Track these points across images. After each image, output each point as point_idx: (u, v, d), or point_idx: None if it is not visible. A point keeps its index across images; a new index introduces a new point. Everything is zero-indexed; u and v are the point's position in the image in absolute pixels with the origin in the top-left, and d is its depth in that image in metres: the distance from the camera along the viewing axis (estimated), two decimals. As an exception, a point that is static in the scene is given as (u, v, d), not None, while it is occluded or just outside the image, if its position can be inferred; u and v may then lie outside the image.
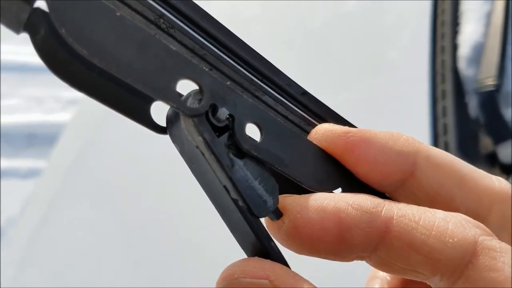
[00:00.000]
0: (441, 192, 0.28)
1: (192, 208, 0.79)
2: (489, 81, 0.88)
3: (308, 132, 0.30)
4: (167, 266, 0.78)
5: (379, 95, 0.91)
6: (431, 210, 0.25)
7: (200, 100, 0.24)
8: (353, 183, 0.29)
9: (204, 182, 0.26)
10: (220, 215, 0.27)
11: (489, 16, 0.97)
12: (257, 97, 0.27)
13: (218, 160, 0.25)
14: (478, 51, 0.93)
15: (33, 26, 0.22)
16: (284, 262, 0.26)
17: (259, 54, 0.28)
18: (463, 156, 0.81)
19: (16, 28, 0.22)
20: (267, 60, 0.28)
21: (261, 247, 0.26)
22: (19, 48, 2.17)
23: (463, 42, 0.95)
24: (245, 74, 0.27)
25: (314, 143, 0.29)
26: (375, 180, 0.29)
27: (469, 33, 0.95)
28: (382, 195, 0.29)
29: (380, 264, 0.26)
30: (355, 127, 0.30)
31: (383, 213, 0.25)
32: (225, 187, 0.25)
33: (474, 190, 0.28)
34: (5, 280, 0.82)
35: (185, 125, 0.25)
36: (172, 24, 0.24)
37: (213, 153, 0.24)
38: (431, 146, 0.29)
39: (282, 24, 1.03)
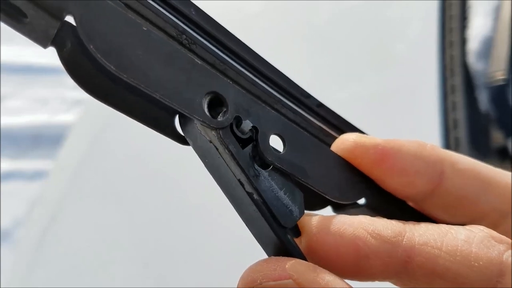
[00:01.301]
0: (467, 196, 0.28)
1: (199, 207, 0.79)
2: (499, 75, 0.87)
3: (327, 143, 0.30)
4: (175, 265, 0.78)
5: (387, 90, 0.91)
6: (453, 230, 0.25)
7: (225, 112, 0.25)
8: (378, 193, 0.29)
9: (218, 176, 0.26)
10: (235, 209, 0.26)
11: (497, 10, 0.96)
12: (276, 109, 0.28)
13: (244, 172, 0.25)
14: (488, 45, 0.92)
15: (60, 40, 0.22)
16: (301, 255, 0.25)
17: (277, 68, 0.28)
18: (474, 150, 0.80)
19: (44, 43, 0.22)
20: (284, 74, 0.29)
21: (277, 241, 0.25)
22: (24, 49, 2.18)
23: (472, 36, 0.94)
24: (264, 87, 0.27)
25: (338, 153, 0.29)
26: (402, 191, 0.29)
27: (478, 27, 0.94)
28: (405, 205, 0.30)
29: (404, 286, 0.26)
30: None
31: (404, 241, 0.24)
32: (239, 180, 0.25)
33: (498, 190, 0.28)
34: (15, 281, 0.82)
35: (203, 130, 0.25)
36: (194, 40, 0.25)
37: (238, 165, 0.25)
38: (453, 153, 0.29)
39: (287, 19, 1.03)
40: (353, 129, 0.32)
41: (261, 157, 0.26)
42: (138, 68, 0.22)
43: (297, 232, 0.26)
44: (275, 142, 0.27)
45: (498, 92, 0.86)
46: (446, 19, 0.99)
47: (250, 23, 1.02)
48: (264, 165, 0.26)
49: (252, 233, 0.26)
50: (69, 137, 1.01)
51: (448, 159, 0.28)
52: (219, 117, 0.25)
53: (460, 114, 0.84)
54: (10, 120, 2.07)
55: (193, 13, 0.25)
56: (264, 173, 0.26)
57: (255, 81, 0.27)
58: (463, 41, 0.94)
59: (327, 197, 0.28)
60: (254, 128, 0.26)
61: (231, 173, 0.25)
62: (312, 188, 0.27)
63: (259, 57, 0.28)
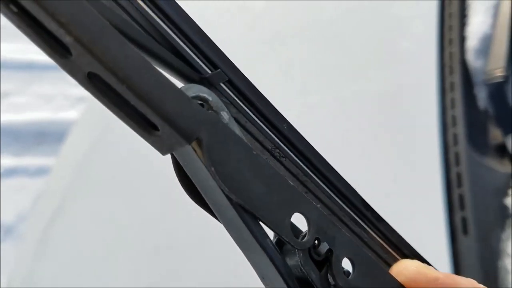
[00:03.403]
0: None
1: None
2: (498, 72, 0.87)
3: (387, 262, 0.32)
4: (178, 259, 0.78)
5: (388, 87, 0.91)
6: None
7: (305, 234, 0.27)
8: None
9: (207, 194, 0.28)
10: (223, 225, 0.28)
11: (497, 7, 0.96)
12: (345, 223, 0.31)
13: None
14: (486, 43, 0.92)
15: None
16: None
17: (351, 185, 0.31)
18: (473, 147, 0.81)
19: (164, 152, 0.24)
20: (350, 184, 0.32)
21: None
22: (28, 46, 2.18)
23: (471, 34, 0.94)
24: (336, 200, 0.30)
25: (398, 278, 0.31)
26: None
27: (477, 24, 0.95)
28: None
29: None
30: (430, 265, 0.32)
31: None
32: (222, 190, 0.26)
33: None
34: (19, 275, 0.83)
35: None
36: (285, 154, 0.28)
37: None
38: None
39: (292, 17, 1.03)
40: (407, 247, 0.34)
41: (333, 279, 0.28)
42: (246, 190, 0.25)
43: None
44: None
45: (497, 90, 0.87)
46: (445, 17, 0.99)
47: (255, 19, 1.03)
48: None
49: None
50: (72, 133, 1.02)
51: None
52: (300, 238, 0.27)
53: (459, 111, 0.85)
54: (14, 117, 2.08)
55: (285, 127, 0.29)
56: None
57: (329, 194, 0.30)
58: (463, 39, 0.95)
59: None
60: (329, 251, 0.28)
61: (220, 191, 0.26)
62: None
63: (338, 176, 0.31)
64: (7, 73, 2.19)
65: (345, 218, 0.31)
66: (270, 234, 0.28)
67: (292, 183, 0.27)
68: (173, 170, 0.28)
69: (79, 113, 1.14)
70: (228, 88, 0.27)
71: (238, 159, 0.25)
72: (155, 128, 0.23)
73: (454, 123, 0.84)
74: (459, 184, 0.77)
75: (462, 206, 0.75)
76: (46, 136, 2.02)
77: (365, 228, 0.32)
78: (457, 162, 0.79)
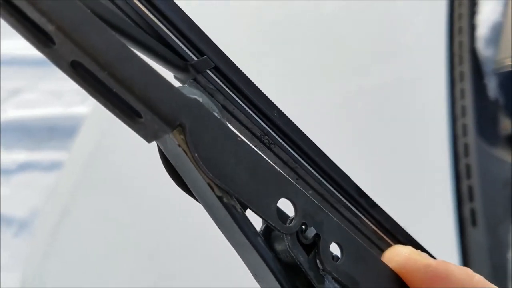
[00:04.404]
0: None
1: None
2: (508, 61, 0.86)
3: (379, 247, 0.32)
4: (186, 253, 0.79)
5: (395, 80, 0.90)
6: None
7: (292, 219, 0.27)
8: None
9: (190, 181, 0.28)
10: (206, 210, 0.28)
11: (507, -6, 0.94)
12: (336, 209, 0.30)
13: (310, 278, 0.27)
14: (497, 31, 0.91)
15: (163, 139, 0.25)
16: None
17: (341, 170, 0.31)
18: (482, 138, 0.80)
19: (149, 139, 0.24)
20: (342, 171, 0.31)
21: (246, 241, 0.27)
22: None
23: (481, 22, 0.93)
24: (327, 187, 0.30)
25: (390, 264, 0.30)
26: None
27: (487, 12, 0.93)
28: None
29: None
30: (426, 251, 0.32)
31: None
32: (209, 184, 0.26)
33: None
34: (30, 269, 0.84)
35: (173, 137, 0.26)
36: (274, 141, 0.28)
37: (306, 273, 0.27)
38: None
39: (295, 10, 1.02)
40: (402, 233, 0.33)
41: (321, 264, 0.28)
42: (230, 175, 0.25)
43: None
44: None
45: (507, 79, 0.85)
46: (455, 6, 0.98)
47: (256, 13, 1.02)
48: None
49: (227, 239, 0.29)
50: (83, 128, 1.02)
51: None
52: (287, 223, 0.27)
53: (468, 101, 0.84)
54: (26, 113, 2.11)
55: (275, 114, 0.28)
56: (328, 277, 0.28)
57: (320, 180, 0.30)
58: (472, 27, 0.93)
59: None
60: (317, 236, 0.28)
61: (201, 178, 0.26)
62: None
63: (329, 161, 0.30)
64: (18, 69, 2.21)
65: (337, 204, 0.31)
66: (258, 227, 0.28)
67: (278, 169, 0.27)
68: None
69: (89, 108, 1.14)
70: (215, 75, 0.27)
71: (222, 144, 0.25)
72: (138, 115, 0.23)
73: (464, 114, 0.83)
74: (468, 176, 0.76)
75: (471, 198, 0.74)
76: (57, 131, 2.04)
77: (358, 214, 0.32)
78: (466, 153, 0.78)
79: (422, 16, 0.98)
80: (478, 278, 0.29)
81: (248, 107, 0.28)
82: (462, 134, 0.80)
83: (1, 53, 2.17)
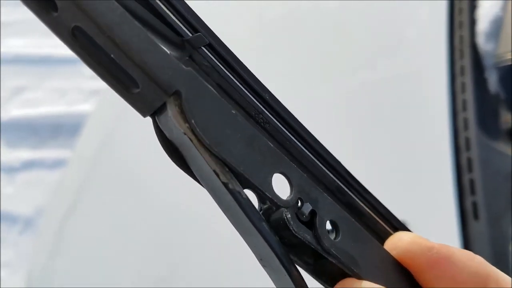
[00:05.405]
0: None
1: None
2: (509, 56, 0.86)
3: (376, 233, 0.32)
4: (194, 250, 0.79)
5: (396, 74, 0.91)
6: None
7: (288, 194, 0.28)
8: None
9: (196, 169, 0.28)
10: (211, 195, 0.29)
11: (508, -12, 0.95)
12: (331, 191, 0.31)
13: (315, 248, 0.28)
14: (497, 25, 0.91)
15: (160, 112, 0.26)
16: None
17: (333, 155, 0.31)
18: (483, 132, 0.81)
19: (146, 113, 0.25)
20: (337, 159, 0.32)
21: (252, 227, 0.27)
22: (42, 41, 2.21)
23: (481, 16, 0.93)
24: (320, 167, 0.31)
25: (392, 250, 0.31)
26: None
27: (488, 6, 0.93)
28: None
29: None
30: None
31: None
32: (214, 171, 0.26)
33: None
34: (36, 267, 0.84)
35: (177, 123, 0.27)
36: (268, 120, 0.29)
37: (310, 244, 0.27)
38: (499, 271, 0.31)
39: (298, 4, 1.03)
40: (395, 220, 0.34)
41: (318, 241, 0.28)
42: (226, 145, 0.25)
43: None
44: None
45: (507, 73, 0.86)
46: (455, 0, 0.98)
47: (258, 8, 1.03)
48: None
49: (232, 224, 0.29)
50: (86, 126, 1.03)
51: (493, 275, 0.30)
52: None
53: (469, 95, 0.84)
54: (30, 111, 2.11)
55: (267, 97, 0.29)
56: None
57: (314, 160, 0.30)
58: (473, 22, 0.94)
59: None
60: (313, 212, 0.28)
61: (207, 166, 0.27)
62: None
63: (319, 144, 0.31)
64: (22, 68, 2.22)
65: (331, 186, 0.31)
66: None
67: (273, 145, 0.27)
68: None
69: (93, 106, 1.15)
70: (210, 53, 0.27)
71: (218, 114, 0.25)
72: (135, 85, 0.24)
73: (465, 108, 0.83)
74: (470, 169, 0.76)
75: (472, 191, 0.74)
76: (61, 129, 2.05)
77: (352, 197, 0.32)
78: (468, 147, 0.78)
79: (423, 11, 0.99)
80: (479, 259, 0.30)
81: (242, 86, 0.28)
82: (463, 128, 0.81)
83: (5, 52, 2.18)
